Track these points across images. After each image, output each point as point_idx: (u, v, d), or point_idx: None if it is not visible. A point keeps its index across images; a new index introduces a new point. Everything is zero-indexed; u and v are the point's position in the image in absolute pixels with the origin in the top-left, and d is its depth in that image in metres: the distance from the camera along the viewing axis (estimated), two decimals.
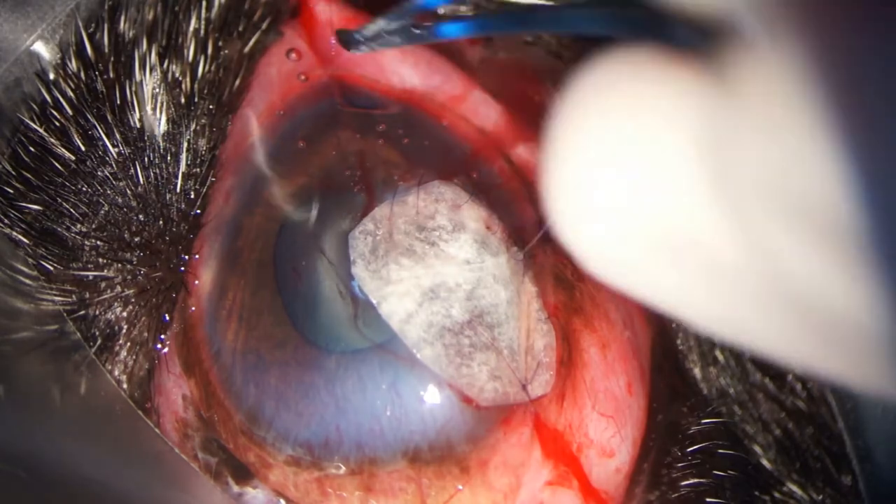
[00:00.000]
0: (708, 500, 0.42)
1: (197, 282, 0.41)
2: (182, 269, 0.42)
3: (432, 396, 0.38)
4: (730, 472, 0.43)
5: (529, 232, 0.41)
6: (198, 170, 0.42)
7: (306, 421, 0.39)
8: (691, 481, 0.42)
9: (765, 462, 0.46)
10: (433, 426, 0.38)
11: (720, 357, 0.46)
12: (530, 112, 0.43)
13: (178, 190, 0.42)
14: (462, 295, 0.39)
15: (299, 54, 0.43)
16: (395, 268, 0.39)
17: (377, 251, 0.39)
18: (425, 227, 0.39)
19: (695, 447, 0.43)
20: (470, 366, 0.39)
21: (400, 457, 0.39)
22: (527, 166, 0.43)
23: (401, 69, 0.43)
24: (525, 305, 0.39)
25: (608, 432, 0.40)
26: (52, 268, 0.40)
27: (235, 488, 0.41)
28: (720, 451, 0.43)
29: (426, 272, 0.39)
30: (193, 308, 0.41)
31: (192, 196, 0.42)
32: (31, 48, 0.42)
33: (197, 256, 0.42)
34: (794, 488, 0.45)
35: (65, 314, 0.40)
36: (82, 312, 0.41)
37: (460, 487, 0.39)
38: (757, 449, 0.46)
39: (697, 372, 0.46)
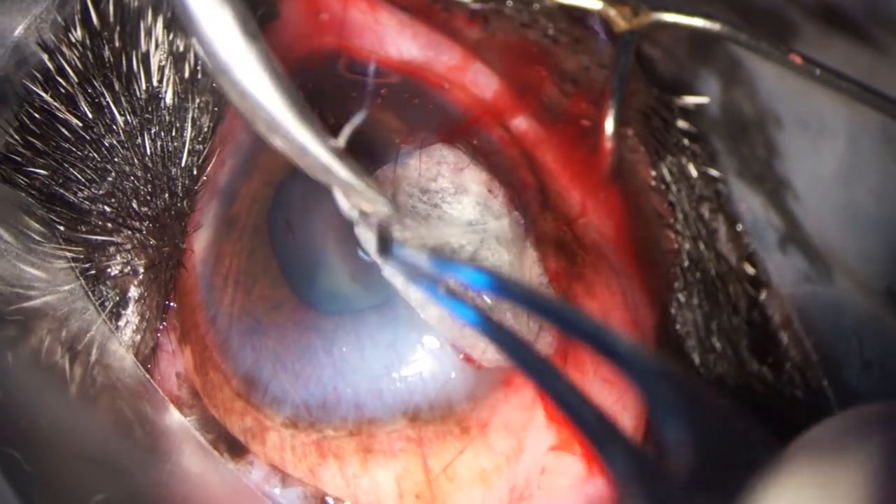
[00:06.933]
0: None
1: (192, 247, 0.41)
2: (183, 245, 0.42)
3: (433, 356, 0.38)
4: None
5: (530, 198, 0.41)
6: (201, 146, 0.42)
7: (304, 382, 0.38)
8: None
9: None
10: (434, 386, 0.38)
11: (717, 344, 0.46)
12: (528, 86, 0.44)
13: (183, 164, 0.42)
14: (466, 256, 0.39)
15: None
16: (399, 228, 0.39)
17: None
18: (428, 189, 0.39)
19: None
20: None
21: (400, 416, 0.38)
22: (525, 136, 0.43)
23: (399, 41, 0.44)
24: (527, 269, 0.39)
25: (610, 398, 0.39)
26: (62, 229, 0.40)
27: (231, 464, 0.40)
28: None
29: (430, 233, 0.39)
30: (189, 274, 0.41)
31: (196, 172, 0.42)
32: (28, 29, 0.43)
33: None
34: None
35: (77, 274, 0.40)
36: (93, 281, 0.40)
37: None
38: None
39: (696, 358, 0.45)
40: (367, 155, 0.40)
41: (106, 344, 0.40)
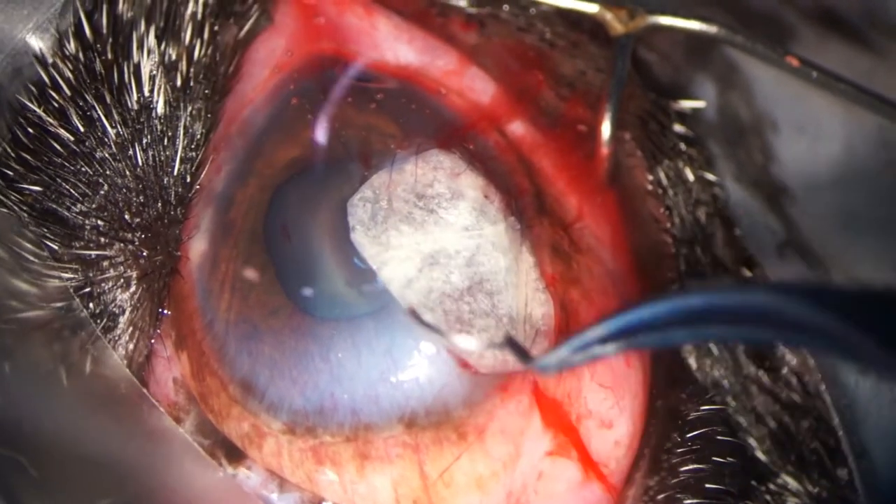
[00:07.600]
0: (707, 486, 0.41)
1: (188, 254, 0.41)
2: (177, 252, 0.42)
3: (430, 362, 0.38)
4: (729, 458, 0.42)
5: (526, 203, 0.41)
6: (193, 154, 0.42)
7: (300, 388, 0.38)
8: (691, 467, 0.42)
9: (759, 454, 0.45)
10: (430, 391, 0.38)
11: (714, 349, 0.46)
12: (525, 91, 0.44)
13: (175, 173, 0.42)
14: (462, 261, 0.39)
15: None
16: (395, 234, 0.39)
17: (376, 217, 0.39)
18: (424, 194, 0.39)
19: (694, 433, 0.42)
20: (470, 332, 0.38)
21: (396, 422, 0.38)
22: (522, 141, 0.43)
23: (396, 46, 0.44)
24: (523, 274, 0.39)
25: (607, 403, 0.39)
26: (55, 246, 0.40)
27: (229, 469, 0.40)
28: (719, 437, 0.43)
29: (426, 238, 0.39)
30: (185, 280, 0.41)
31: (189, 180, 0.42)
32: (28, 38, 0.43)
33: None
34: (790, 480, 0.45)
35: (71, 291, 0.40)
36: (87, 294, 0.40)
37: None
38: (751, 441, 0.45)
39: (692, 362, 0.45)
40: (361, 161, 0.41)
41: (101, 354, 0.40)
